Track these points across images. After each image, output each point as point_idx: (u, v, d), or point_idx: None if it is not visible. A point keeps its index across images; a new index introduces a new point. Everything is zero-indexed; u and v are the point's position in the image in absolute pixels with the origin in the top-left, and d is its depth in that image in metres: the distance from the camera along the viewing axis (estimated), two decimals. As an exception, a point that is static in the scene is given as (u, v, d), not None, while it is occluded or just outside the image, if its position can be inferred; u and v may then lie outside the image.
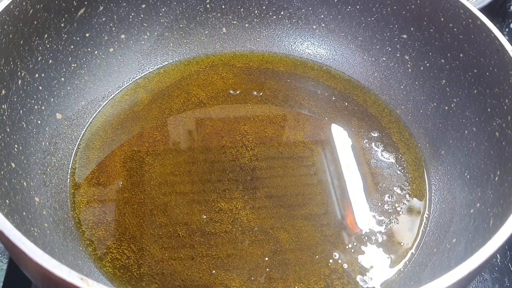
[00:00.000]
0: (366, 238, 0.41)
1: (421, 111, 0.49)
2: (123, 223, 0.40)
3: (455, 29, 0.45)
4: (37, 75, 0.43)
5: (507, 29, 0.67)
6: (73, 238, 0.39)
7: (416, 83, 0.49)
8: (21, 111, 0.41)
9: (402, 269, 0.40)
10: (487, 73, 0.42)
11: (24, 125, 0.41)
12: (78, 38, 0.46)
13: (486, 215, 0.37)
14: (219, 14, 0.53)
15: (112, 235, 0.40)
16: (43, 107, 0.43)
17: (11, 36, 0.39)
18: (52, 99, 0.44)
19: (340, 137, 0.48)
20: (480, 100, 0.43)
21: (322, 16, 0.53)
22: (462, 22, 0.44)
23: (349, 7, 0.52)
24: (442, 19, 0.46)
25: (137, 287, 0.37)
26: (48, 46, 0.43)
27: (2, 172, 0.36)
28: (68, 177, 0.43)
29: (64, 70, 0.45)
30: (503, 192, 0.37)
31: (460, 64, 0.45)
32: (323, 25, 0.53)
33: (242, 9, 0.54)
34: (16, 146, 0.40)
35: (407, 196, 0.44)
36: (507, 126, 0.39)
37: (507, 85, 0.40)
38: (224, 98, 0.50)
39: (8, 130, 0.38)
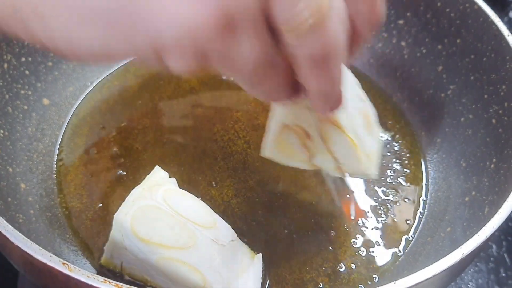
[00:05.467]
0: (360, 228, 0.40)
1: (417, 98, 0.48)
2: (111, 211, 0.39)
3: (452, 14, 0.44)
4: (23, 59, 0.42)
5: (505, 18, 0.66)
6: (60, 226, 0.39)
7: (412, 70, 0.49)
8: (7, 96, 0.40)
9: (395, 259, 0.39)
10: (484, 59, 0.42)
11: (10, 110, 0.40)
12: (67, 22, 0.45)
13: (481, 203, 0.37)
14: None
15: (99, 223, 0.39)
16: (29, 92, 0.42)
17: (-4, 18, 0.38)
18: (39, 84, 0.43)
19: (335, 125, 0.47)
20: (477, 87, 0.42)
21: (317, 2, 0.52)
22: (459, 7, 0.44)
23: (345, -8, 0.51)
24: (439, 4, 0.45)
25: (121, 277, 0.36)
26: (35, 29, 0.42)
27: (-14, 158, 0.35)
28: (55, 163, 0.42)
29: (51, 54, 0.44)
30: (498, 180, 0.36)
31: (457, 50, 0.44)
32: (318, 11, 0.52)
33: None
34: (1, 131, 0.39)
35: (402, 184, 0.43)
36: (503, 113, 0.39)
37: (504, 71, 0.40)
38: (216, 84, 0.49)
39: (-7, 115, 0.38)
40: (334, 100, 0.24)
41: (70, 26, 0.19)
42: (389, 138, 0.46)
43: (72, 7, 0.18)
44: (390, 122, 0.48)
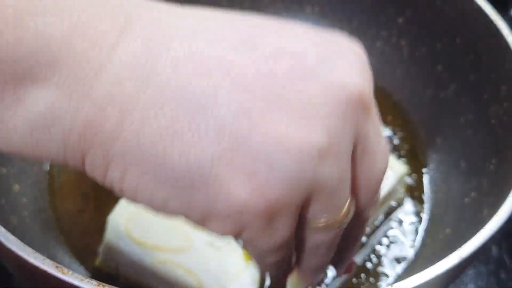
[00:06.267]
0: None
1: (417, 98, 0.47)
2: (106, 213, 0.39)
3: (452, 13, 0.44)
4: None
5: (506, 17, 0.66)
6: (54, 228, 0.38)
7: (412, 69, 0.48)
8: (1, 96, 0.40)
9: (394, 262, 0.39)
10: (484, 59, 0.41)
11: (5, 111, 0.40)
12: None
13: (480, 204, 0.36)
14: (209, -2, 0.52)
15: (94, 225, 0.39)
16: (24, 92, 0.42)
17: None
18: (34, 84, 0.43)
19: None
20: (477, 87, 0.42)
21: (316, -1, 0.52)
22: (459, 6, 0.43)
23: (344, -11, 0.50)
24: (438, 3, 0.45)
25: (116, 280, 0.36)
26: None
27: (-21, 159, 0.35)
28: (49, 165, 0.42)
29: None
30: (498, 181, 0.36)
31: (457, 49, 0.44)
32: (317, 8, 0.52)
33: (233, -7, 0.52)
34: (-4, 132, 0.39)
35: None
36: (503, 112, 0.39)
37: (504, 70, 0.39)
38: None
39: (-14, 115, 0.37)
40: (320, 275, 0.27)
41: (141, 182, 0.21)
42: (388, 136, 0.46)
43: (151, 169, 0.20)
44: (389, 123, 0.47)
